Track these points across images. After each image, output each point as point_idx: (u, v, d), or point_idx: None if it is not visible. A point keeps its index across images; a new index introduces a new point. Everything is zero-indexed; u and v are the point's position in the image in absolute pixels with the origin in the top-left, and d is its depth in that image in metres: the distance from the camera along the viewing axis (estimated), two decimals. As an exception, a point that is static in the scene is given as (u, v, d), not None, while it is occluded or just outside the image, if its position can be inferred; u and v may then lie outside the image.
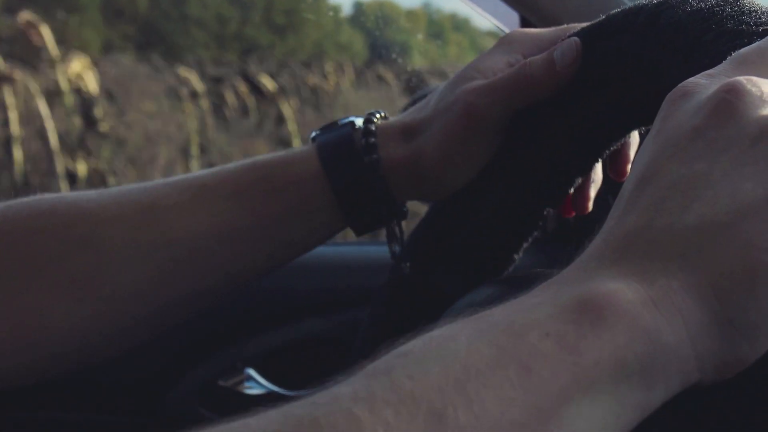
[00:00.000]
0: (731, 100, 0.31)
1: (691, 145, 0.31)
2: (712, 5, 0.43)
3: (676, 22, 0.43)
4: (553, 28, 0.57)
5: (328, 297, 0.83)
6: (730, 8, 0.42)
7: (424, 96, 0.82)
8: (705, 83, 0.33)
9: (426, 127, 0.56)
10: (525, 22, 0.75)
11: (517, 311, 0.29)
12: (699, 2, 0.44)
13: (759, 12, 0.41)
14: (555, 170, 0.58)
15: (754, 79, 0.32)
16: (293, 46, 4.73)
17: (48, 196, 0.56)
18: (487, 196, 0.59)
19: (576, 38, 0.52)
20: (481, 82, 0.54)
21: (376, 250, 0.88)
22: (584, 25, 0.53)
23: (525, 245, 0.61)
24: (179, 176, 0.57)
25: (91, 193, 0.56)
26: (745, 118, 0.30)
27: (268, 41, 4.75)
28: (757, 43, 0.35)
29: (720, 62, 0.37)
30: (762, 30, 0.39)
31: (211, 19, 4.65)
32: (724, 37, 0.40)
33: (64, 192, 0.57)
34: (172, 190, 0.56)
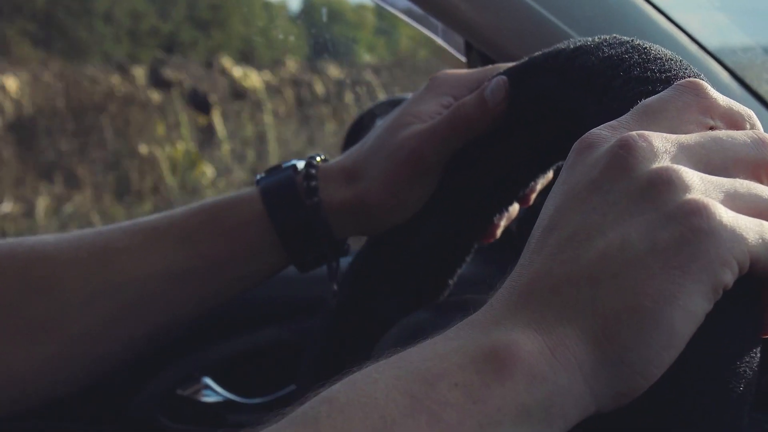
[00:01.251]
0: (623, 155, 0.36)
1: (589, 197, 0.36)
2: (622, 52, 0.49)
3: (589, 67, 0.50)
4: (478, 69, 0.66)
5: (285, 306, 0.93)
6: (638, 55, 0.47)
7: (361, 122, 0.94)
8: (606, 136, 0.38)
9: (366, 171, 0.63)
10: (469, 47, 0.88)
11: (431, 357, 0.34)
12: (610, 49, 0.50)
13: (663, 59, 0.46)
14: (483, 204, 0.67)
15: (646, 134, 0.36)
16: (220, 43, 4.80)
17: (8, 240, 0.63)
18: (422, 228, 0.67)
19: (503, 77, 0.60)
20: (422, 127, 0.62)
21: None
22: (509, 65, 0.61)
23: (459, 271, 0.70)
24: (132, 221, 0.65)
25: (49, 237, 0.64)
26: (635, 171, 0.35)
27: (190, 38, 4.80)
28: (660, 93, 0.40)
29: (628, 107, 0.42)
30: (665, 77, 0.44)
31: (122, 13, 4.67)
32: (631, 83, 0.46)
33: (23, 237, 0.64)
34: (124, 234, 0.64)
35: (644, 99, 0.42)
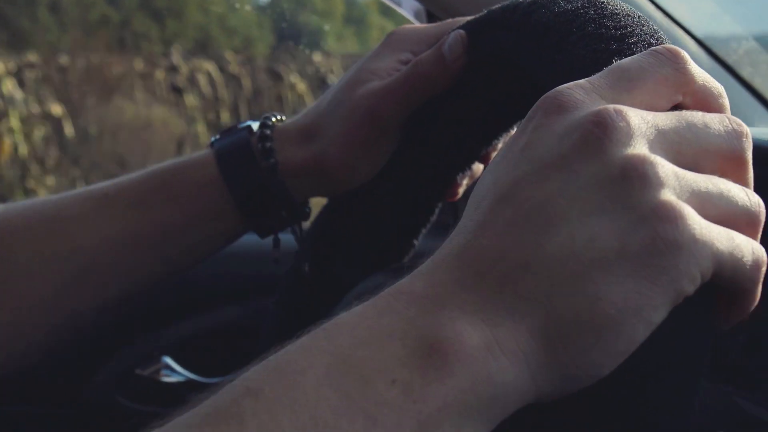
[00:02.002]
0: (599, 135, 0.35)
1: (556, 174, 0.35)
2: (578, 7, 0.48)
3: (545, 22, 0.50)
4: (437, 23, 0.67)
5: (245, 285, 0.97)
6: (594, 11, 0.47)
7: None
8: (578, 100, 0.37)
9: (324, 130, 0.64)
10: (432, 17, 0.91)
11: (366, 340, 0.33)
12: (567, 3, 0.50)
13: (620, 15, 0.46)
14: (445, 163, 0.69)
15: (624, 111, 0.35)
16: (176, 32, 4.81)
17: None
18: (383, 189, 0.69)
19: (461, 31, 0.61)
20: (378, 84, 0.63)
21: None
22: (468, 18, 0.62)
23: (423, 231, 0.72)
24: (84, 188, 0.66)
25: None
26: (609, 155, 0.34)
27: (144, 27, 4.81)
28: (637, 58, 0.39)
29: (581, 65, 0.44)
30: (620, 34, 0.44)
31: (70, 1, 4.66)
32: (585, 39, 0.46)
33: None
34: (75, 201, 0.65)
35: (598, 57, 0.43)
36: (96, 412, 0.93)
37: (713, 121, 0.37)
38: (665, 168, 0.35)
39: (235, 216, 0.65)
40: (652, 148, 0.35)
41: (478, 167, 0.71)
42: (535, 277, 0.34)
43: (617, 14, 0.47)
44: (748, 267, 0.36)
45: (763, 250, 0.37)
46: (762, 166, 0.54)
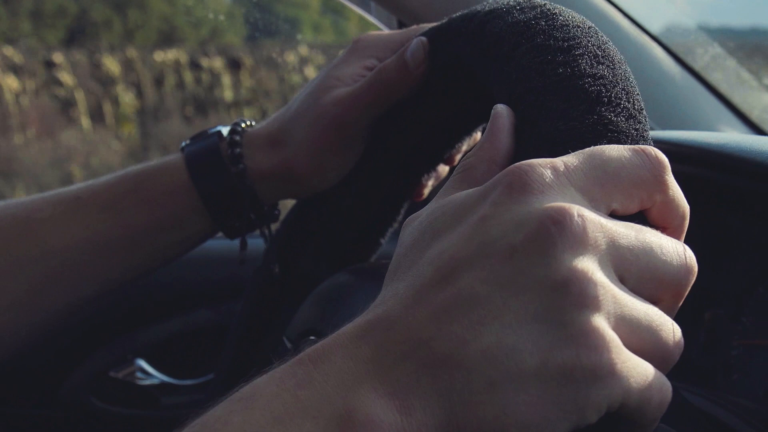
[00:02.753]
0: (553, 234, 0.36)
1: (501, 266, 0.36)
2: (530, 18, 0.51)
3: (497, 33, 0.53)
4: (401, 30, 0.72)
5: (217, 288, 1.04)
6: (544, 22, 0.50)
7: None
8: (548, 183, 0.38)
9: (291, 137, 0.69)
10: (402, 25, 0.97)
11: (282, 416, 0.35)
12: (520, 14, 0.52)
13: (570, 26, 0.49)
14: (410, 165, 0.74)
15: (586, 215, 0.36)
16: (137, 23, 4.82)
17: None
18: (350, 190, 0.74)
19: (423, 38, 0.64)
20: (344, 91, 0.67)
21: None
22: (431, 25, 0.66)
23: (390, 230, 0.78)
24: (56, 190, 0.71)
25: None
26: (557, 260, 0.35)
27: (103, 18, 4.82)
28: (622, 149, 0.39)
29: (526, 78, 0.46)
30: (567, 45, 0.47)
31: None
32: (533, 52, 0.48)
33: None
34: (46, 204, 0.70)
35: (543, 68, 0.46)
36: (70, 414, 0.99)
37: (669, 249, 0.39)
38: (606, 291, 0.36)
39: (205, 219, 0.71)
40: (602, 262, 0.36)
41: (443, 168, 0.76)
42: (452, 375, 0.35)
43: (567, 25, 0.49)
44: (652, 406, 0.37)
45: (670, 389, 0.38)
46: (719, 168, 0.59)
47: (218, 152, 0.70)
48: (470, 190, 0.41)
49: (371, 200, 0.76)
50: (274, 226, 0.77)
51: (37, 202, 0.71)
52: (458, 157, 0.75)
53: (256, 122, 0.74)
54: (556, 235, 0.36)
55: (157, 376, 1.05)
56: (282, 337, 0.69)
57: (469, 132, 0.73)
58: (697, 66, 1.05)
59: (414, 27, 0.71)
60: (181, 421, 0.37)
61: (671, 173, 0.40)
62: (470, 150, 0.46)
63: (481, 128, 0.72)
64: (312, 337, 0.63)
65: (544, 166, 0.38)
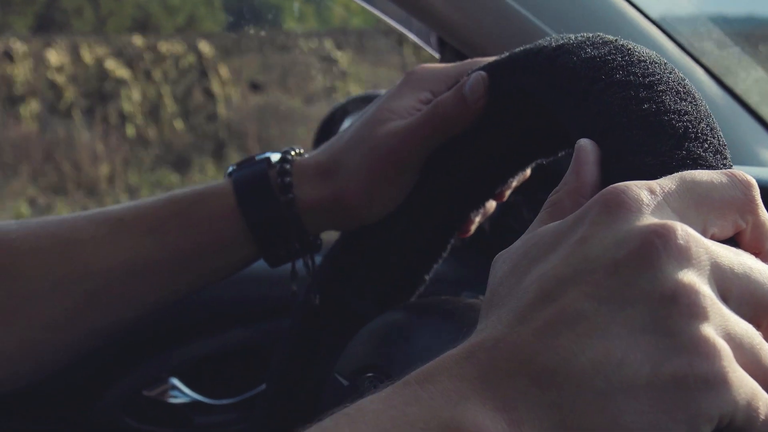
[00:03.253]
0: (659, 247, 0.36)
1: (605, 280, 0.37)
2: (605, 53, 0.52)
3: (570, 68, 0.53)
4: (457, 63, 0.72)
5: (252, 306, 1.04)
6: (621, 57, 0.51)
7: (333, 117, 1.04)
8: (645, 202, 0.38)
9: (343, 168, 0.69)
10: (442, 43, 0.99)
11: (389, 430, 0.36)
12: (593, 49, 0.53)
13: (647, 62, 0.50)
14: (460, 201, 0.74)
15: (690, 232, 0.37)
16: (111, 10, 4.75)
17: None
18: (397, 224, 0.74)
19: (482, 72, 0.64)
20: (400, 124, 0.68)
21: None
22: (488, 59, 0.66)
23: (435, 266, 0.78)
24: (98, 210, 0.71)
25: (12, 224, 0.70)
26: (663, 272, 0.36)
27: (75, 4, 4.76)
28: (710, 173, 0.40)
29: (608, 112, 0.47)
30: (648, 81, 0.48)
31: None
32: (613, 87, 0.49)
33: None
34: (89, 224, 0.70)
35: (627, 104, 0.47)
36: (104, 433, 1.00)
37: (767, 274, 0.39)
38: (714, 303, 0.36)
39: (249, 246, 0.71)
40: (706, 277, 0.37)
41: (491, 204, 0.76)
42: (561, 387, 0.36)
43: (644, 61, 0.50)
44: (759, 421, 0.37)
45: None
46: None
47: (267, 180, 0.70)
48: (562, 220, 0.41)
49: (418, 235, 0.76)
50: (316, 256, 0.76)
51: (79, 222, 0.71)
52: (508, 193, 0.75)
53: (305, 151, 0.74)
54: (661, 248, 0.36)
55: (190, 395, 1.04)
56: (333, 374, 0.68)
57: (522, 168, 0.73)
58: (739, 88, 1.05)
59: (468, 61, 0.72)
60: None
61: (758, 194, 0.41)
62: (556, 187, 0.46)
63: (533, 165, 0.72)
64: (370, 374, 0.63)
65: (640, 187, 0.39)
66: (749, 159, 0.97)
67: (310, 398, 0.76)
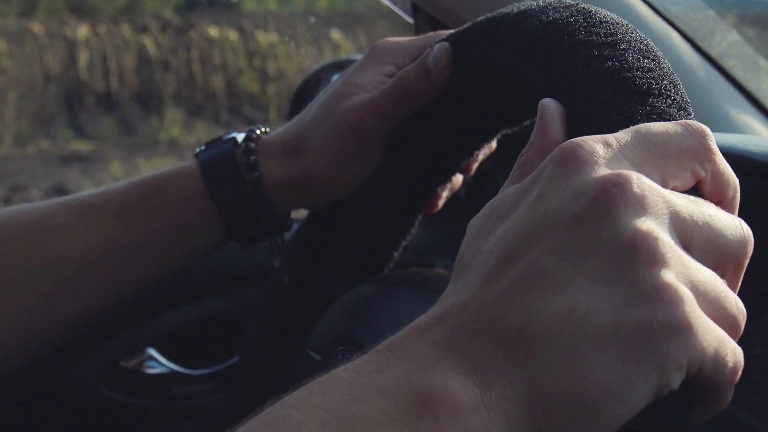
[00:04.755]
0: (615, 197, 0.36)
1: (565, 234, 0.37)
2: (566, 16, 0.53)
3: (533, 32, 0.54)
4: (420, 36, 0.73)
5: (228, 276, 1.04)
6: (583, 19, 0.52)
7: (306, 86, 1.03)
8: (601, 155, 0.39)
9: (308, 145, 0.69)
10: (416, 8, 0.99)
11: (360, 398, 0.36)
12: (555, 13, 0.54)
13: (609, 23, 0.51)
14: (426, 175, 0.74)
15: (644, 181, 0.37)
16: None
17: None
18: (364, 200, 0.74)
19: (446, 43, 0.65)
20: (364, 98, 0.68)
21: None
22: (451, 31, 0.66)
23: (404, 242, 0.78)
24: (69, 196, 0.72)
25: None
26: (621, 221, 0.36)
27: None
28: (664, 123, 0.41)
29: (573, 72, 0.48)
30: (611, 40, 0.49)
31: None
32: (576, 47, 0.50)
33: None
34: (60, 209, 0.70)
35: (591, 62, 0.48)
36: (81, 404, 1.00)
37: (728, 221, 0.40)
38: (674, 251, 0.37)
39: (218, 227, 0.71)
40: (665, 225, 0.37)
41: (457, 179, 0.76)
42: (529, 345, 0.36)
43: (606, 22, 0.51)
44: (728, 369, 0.37)
45: (741, 354, 0.38)
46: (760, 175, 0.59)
47: (233, 159, 0.70)
48: (523, 180, 0.42)
49: (386, 211, 0.76)
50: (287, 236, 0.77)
51: (51, 208, 0.71)
52: (475, 166, 0.76)
53: (271, 129, 0.74)
54: (618, 197, 0.37)
55: (167, 365, 1.05)
56: (305, 350, 0.69)
57: (487, 139, 0.73)
58: (714, 52, 1.05)
59: (432, 33, 0.72)
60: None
61: (714, 142, 0.41)
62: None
63: (499, 136, 0.72)
64: (341, 347, 0.63)
65: (595, 140, 0.39)
66: (725, 122, 0.98)
67: (283, 374, 0.77)
